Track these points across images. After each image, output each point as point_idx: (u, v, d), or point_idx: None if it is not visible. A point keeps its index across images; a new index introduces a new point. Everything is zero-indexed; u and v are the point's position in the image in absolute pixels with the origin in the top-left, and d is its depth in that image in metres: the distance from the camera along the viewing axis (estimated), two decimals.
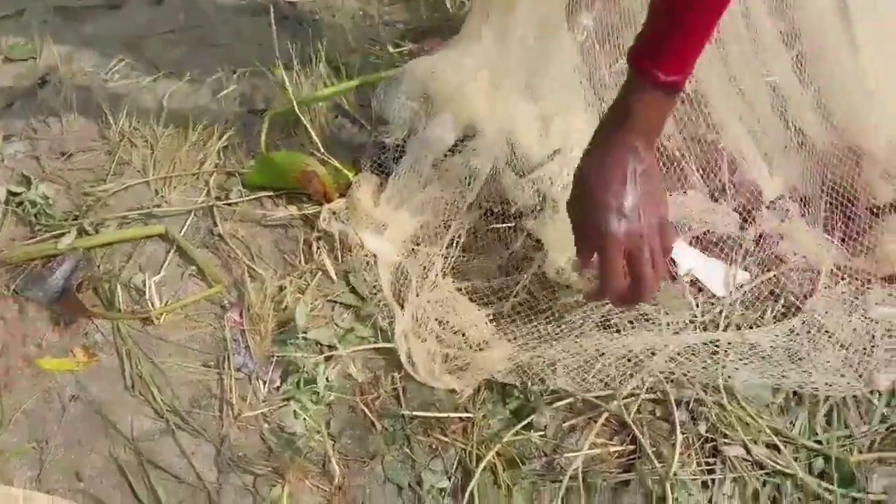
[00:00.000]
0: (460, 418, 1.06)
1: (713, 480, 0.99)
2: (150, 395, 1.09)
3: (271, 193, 1.32)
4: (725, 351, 1.07)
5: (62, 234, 1.26)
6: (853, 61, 1.20)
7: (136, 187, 1.35)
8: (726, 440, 1.02)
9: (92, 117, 1.47)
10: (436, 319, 1.14)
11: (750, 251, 1.16)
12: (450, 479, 1.01)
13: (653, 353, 1.07)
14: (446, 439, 1.04)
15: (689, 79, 0.96)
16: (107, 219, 1.29)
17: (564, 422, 1.05)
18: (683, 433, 1.02)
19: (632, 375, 1.06)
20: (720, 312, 1.11)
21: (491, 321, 1.14)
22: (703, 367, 1.06)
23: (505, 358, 1.09)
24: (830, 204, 1.19)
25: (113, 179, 1.36)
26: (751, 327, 1.10)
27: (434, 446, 1.04)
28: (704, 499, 0.98)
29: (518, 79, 1.29)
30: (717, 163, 1.22)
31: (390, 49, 1.56)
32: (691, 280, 1.13)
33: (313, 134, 1.33)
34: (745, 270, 1.14)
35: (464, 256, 1.22)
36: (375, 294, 1.17)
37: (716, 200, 1.21)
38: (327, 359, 1.11)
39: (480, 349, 1.11)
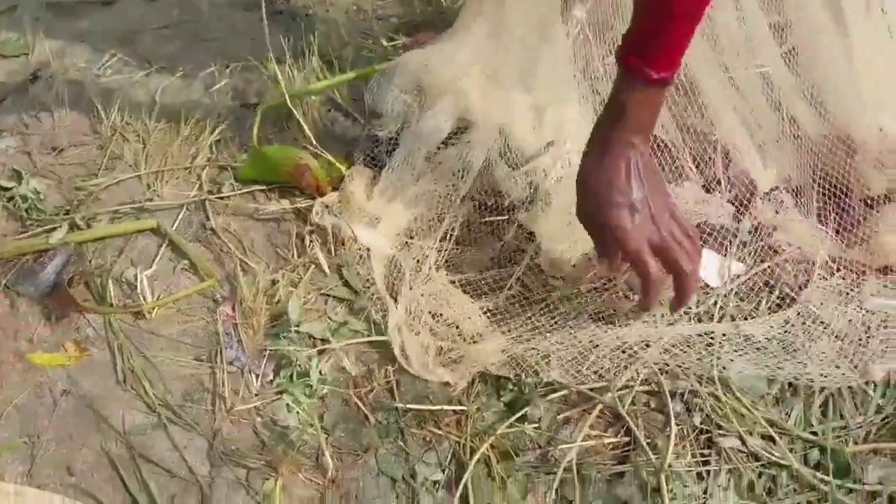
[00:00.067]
0: (454, 411, 1.05)
1: (708, 472, 0.98)
2: (142, 390, 1.09)
3: (264, 187, 1.31)
4: (720, 342, 1.06)
5: (53, 229, 1.25)
6: (845, 52, 1.20)
7: (127, 182, 1.34)
8: (721, 431, 1.01)
9: (84, 112, 1.46)
10: (429, 312, 1.13)
11: (744, 242, 1.15)
12: (444, 471, 1.01)
13: (647, 345, 1.07)
14: (440, 432, 1.03)
15: (678, 72, 0.97)
16: (98, 213, 1.28)
17: (559, 414, 1.04)
18: (678, 424, 1.01)
19: (626, 367, 1.05)
20: (715, 303, 1.11)
21: (485, 314, 1.13)
22: (698, 359, 1.05)
23: (499, 350, 1.08)
24: (824, 195, 1.18)
25: (105, 174, 1.35)
26: (746, 318, 1.09)
27: (428, 439, 1.03)
28: (699, 490, 0.97)
29: (512, 70, 1.29)
30: (711, 154, 1.22)
31: (384, 43, 1.56)
32: None
33: (306, 128, 1.33)
34: (740, 261, 1.13)
35: (457, 249, 1.21)
36: (369, 287, 1.17)
37: (710, 192, 1.21)
38: (320, 352, 1.11)
39: (474, 342, 1.10)
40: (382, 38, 1.57)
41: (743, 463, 0.99)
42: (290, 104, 1.33)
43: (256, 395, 1.08)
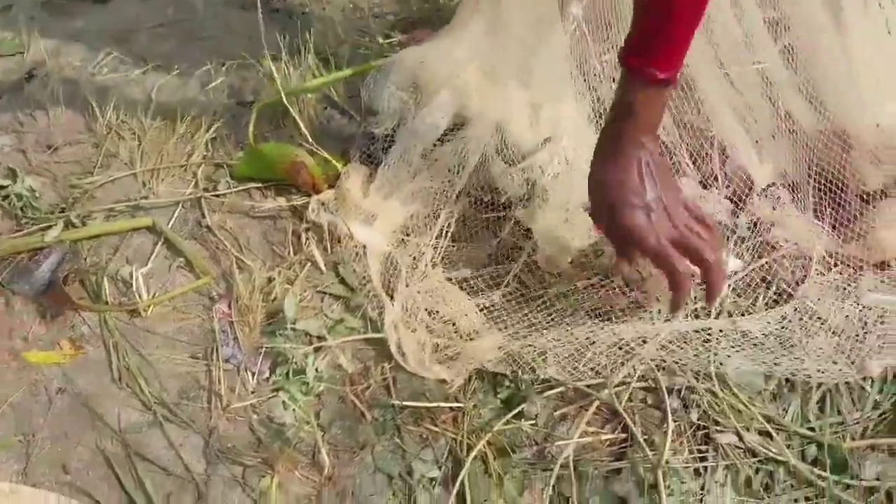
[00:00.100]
0: (451, 408, 1.05)
1: (705, 468, 0.98)
2: (138, 388, 1.08)
3: (260, 185, 1.31)
4: (717, 338, 1.06)
5: (49, 227, 1.25)
6: (842, 48, 1.20)
7: (123, 179, 1.34)
8: (718, 427, 1.01)
9: (79, 110, 1.46)
10: (426, 309, 1.13)
11: (742, 238, 1.15)
12: (440, 468, 1.00)
13: (644, 341, 1.07)
14: (437, 429, 1.03)
15: (681, 70, 0.98)
16: (94, 211, 1.28)
17: (555, 410, 1.04)
18: (675, 421, 1.01)
19: (623, 363, 1.05)
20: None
21: (481, 311, 1.13)
22: (695, 355, 1.05)
23: (495, 347, 1.08)
24: (820, 191, 1.18)
25: (100, 172, 1.35)
26: (743, 314, 1.09)
27: (424, 436, 1.03)
28: (697, 486, 0.97)
29: (509, 67, 1.28)
30: (708, 151, 1.22)
31: (380, 40, 1.55)
32: None
33: (302, 125, 1.33)
34: (737, 258, 1.13)
35: (453, 246, 1.21)
36: (365, 285, 1.16)
37: (707, 188, 1.20)
38: (316, 349, 1.10)
39: (471, 339, 1.10)
40: (379, 36, 1.57)
41: (740, 459, 0.99)
42: (285, 101, 1.32)
43: (252, 392, 1.08)
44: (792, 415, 1.02)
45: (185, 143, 1.38)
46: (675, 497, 0.95)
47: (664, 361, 1.05)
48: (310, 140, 1.31)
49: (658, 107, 1.00)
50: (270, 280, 1.18)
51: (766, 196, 1.19)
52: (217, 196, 1.30)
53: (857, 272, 1.12)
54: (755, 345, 1.06)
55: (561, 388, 1.05)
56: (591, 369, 1.05)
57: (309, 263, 1.20)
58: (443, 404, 1.05)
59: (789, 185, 1.20)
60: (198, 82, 1.52)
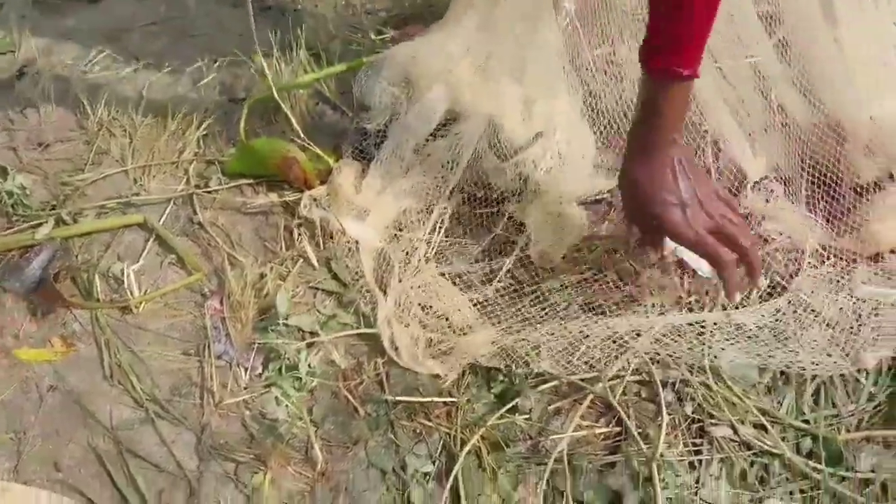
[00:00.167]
0: (444, 403, 1.04)
1: (700, 461, 0.98)
2: (130, 385, 1.08)
3: (251, 181, 1.30)
4: (711, 331, 1.06)
5: (39, 225, 1.24)
6: (835, 41, 1.20)
7: (114, 177, 1.33)
8: (713, 421, 1.01)
9: (70, 108, 1.45)
10: (419, 304, 1.13)
11: None
12: (434, 463, 1.00)
13: (638, 335, 1.06)
14: (430, 424, 1.03)
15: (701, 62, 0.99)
16: (85, 208, 1.27)
17: (549, 405, 1.04)
18: (670, 414, 1.01)
19: (617, 357, 1.05)
20: (706, 293, 1.10)
21: (475, 305, 1.13)
22: (689, 348, 1.05)
23: (489, 342, 1.07)
24: (814, 184, 1.18)
25: (91, 169, 1.34)
26: (737, 307, 1.09)
27: (418, 431, 1.02)
28: (691, 479, 0.97)
29: (502, 63, 1.28)
30: (701, 144, 1.21)
31: (372, 36, 1.55)
32: (677, 261, 1.12)
33: (294, 121, 1.32)
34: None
35: (447, 241, 1.20)
36: (357, 280, 1.16)
37: None
38: (309, 345, 1.10)
39: (464, 334, 1.09)
40: (371, 32, 1.56)
41: (735, 452, 0.98)
42: (277, 97, 1.32)
43: (245, 388, 1.07)
44: (787, 407, 1.02)
45: (177, 139, 1.38)
46: (669, 490, 0.95)
47: (658, 354, 1.05)
48: (301, 136, 1.30)
49: (684, 102, 1.01)
50: (262, 276, 1.17)
51: (759, 189, 1.19)
52: (209, 192, 1.29)
53: (850, 265, 1.12)
54: (749, 338, 1.06)
55: (555, 382, 1.05)
56: (586, 363, 1.05)
57: (301, 259, 1.20)
58: (436, 399, 1.04)
59: (782, 179, 1.19)
60: (189, 79, 1.51)
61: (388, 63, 1.32)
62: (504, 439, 1.00)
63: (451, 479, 0.97)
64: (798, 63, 1.22)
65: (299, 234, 1.22)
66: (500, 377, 1.06)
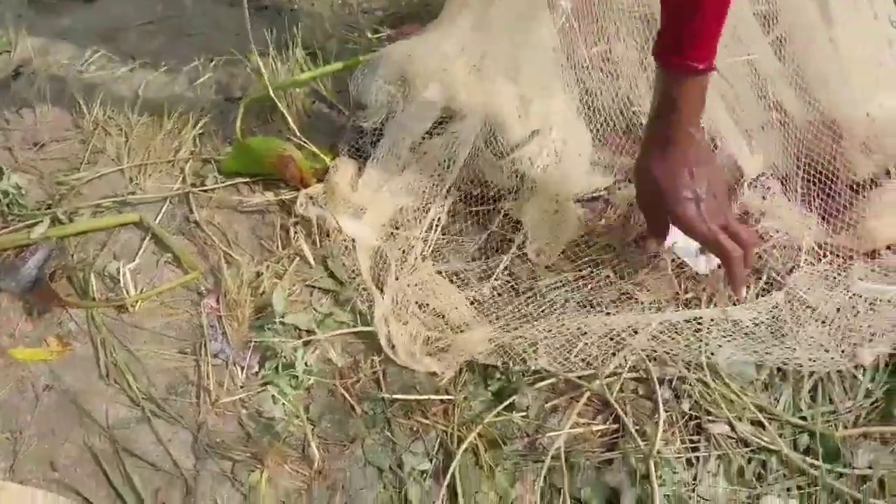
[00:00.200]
0: (441, 400, 1.04)
1: (697, 458, 0.98)
2: (126, 383, 1.08)
3: (247, 179, 1.30)
4: (708, 328, 1.06)
5: (35, 224, 1.24)
6: (832, 39, 1.20)
7: (110, 175, 1.33)
8: (710, 417, 1.00)
9: (66, 107, 1.45)
10: (416, 302, 1.12)
11: None
12: (431, 461, 1.00)
13: (635, 332, 1.06)
14: (427, 422, 1.02)
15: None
16: (80, 207, 1.27)
17: (546, 402, 1.03)
18: (667, 411, 1.01)
19: (614, 354, 1.04)
20: (703, 290, 1.10)
21: (472, 303, 1.13)
22: (686, 345, 1.05)
23: (486, 339, 1.07)
24: (810, 181, 1.18)
25: (87, 168, 1.34)
26: (734, 304, 1.08)
27: (415, 429, 1.02)
28: (689, 476, 0.97)
29: (497, 61, 1.28)
30: None
31: (369, 35, 1.55)
32: (674, 258, 1.12)
33: (290, 119, 1.32)
34: None
35: (443, 239, 1.20)
36: (354, 278, 1.16)
37: None
38: (306, 343, 1.10)
39: (461, 331, 1.09)
40: (367, 31, 1.56)
41: (732, 449, 0.98)
42: (273, 95, 1.31)
43: (241, 387, 1.07)
44: (784, 404, 1.02)
45: (173, 138, 1.38)
46: (667, 487, 0.95)
47: (655, 352, 1.04)
48: (298, 134, 1.30)
49: (702, 95, 1.01)
50: (259, 274, 1.17)
51: (756, 186, 1.18)
52: (205, 191, 1.29)
53: (847, 261, 1.12)
54: (746, 334, 1.05)
55: (552, 380, 1.04)
56: (583, 360, 1.04)
57: (298, 258, 1.19)
58: (433, 397, 1.04)
59: (779, 176, 1.19)
60: (186, 79, 1.51)
61: (385, 61, 1.32)
62: (501, 437, 1.00)
63: (448, 476, 0.97)
64: (794, 61, 1.22)
65: (296, 233, 1.22)
66: (497, 375, 1.05)
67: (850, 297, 1.08)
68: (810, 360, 1.03)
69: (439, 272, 1.17)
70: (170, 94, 1.47)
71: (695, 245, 1.11)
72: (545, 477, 0.97)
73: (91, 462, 1.02)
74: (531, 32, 1.27)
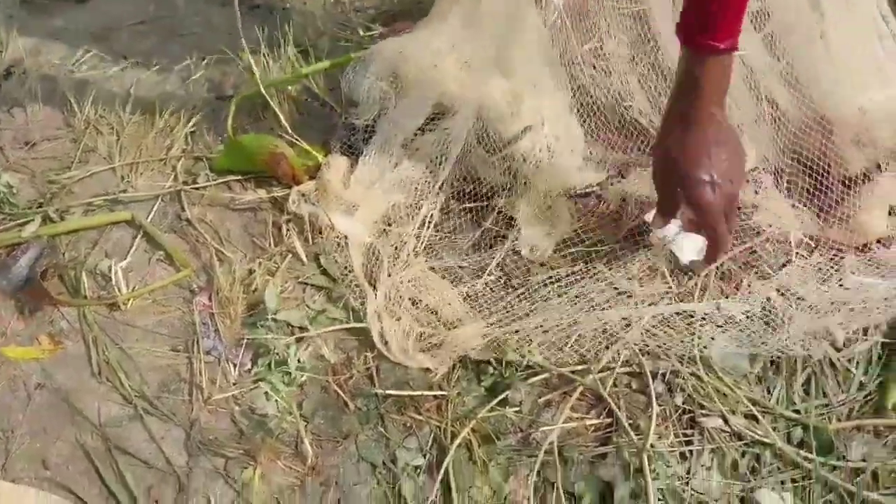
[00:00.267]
0: (434, 396, 1.04)
1: (691, 452, 0.98)
2: (118, 381, 1.07)
3: (239, 177, 1.30)
4: (701, 322, 1.06)
5: (26, 223, 1.24)
6: (821, 36, 1.20)
7: (101, 174, 1.32)
8: (704, 411, 1.00)
9: (57, 107, 1.45)
10: (409, 299, 1.12)
11: None
12: (425, 456, 0.99)
13: (628, 326, 1.06)
14: (420, 417, 1.02)
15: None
16: (72, 206, 1.27)
17: (540, 397, 1.03)
18: (660, 405, 1.01)
19: (607, 348, 1.04)
20: (696, 284, 1.10)
21: (465, 299, 1.12)
22: (681, 341, 1.04)
23: (479, 335, 1.07)
24: (803, 175, 1.18)
25: (78, 167, 1.33)
26: (727, 297, 1.08)
27: (408, 424, 1.02)
28: (682, 470, 0.97)
29: (489, 58, 1.28)
30: None
31: (361, 33, 1.55)
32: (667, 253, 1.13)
33: (282, 117, 1.32)
34: None
35: (436, 235, 1.20)
36: (347, 275, 1.15)
37: None
38: (298, 340, 1.09)
39: (454, 327, 1.09)
40: (359, 29, 1.56)
41: (726, 442, 0.98)
42: (264, 93, 1.31)
43: (234, 384, 1.07)
44: (777, 397, 1.02)
45: (165, 137, 1.37)
46: (660, 481, 0.95)
47: (647, 346, 1.04)
48: (290, 132, 1.30)
49: (725, 75, 1.00)
50: (251, 272, 1.17)
51: (748, 181, 1.18)
52: (197, 189, 1.29)
53: (839, 255, 1.12)
54: (741, 330, 1.05)
55: (545, 375, 1.04)
56: (576, 351, 1.04)
57: (290, 255, 1.19)
58: (426, 393, 1.04)
59: (772, 170, 1.20)
60: (177, 77, 1.50)
61: (376, 58, 1.32)
62: (495, 432, 1.00)
63: (441, 472, 0.97)
64: (786, 57, 1.22)
65: (288, 230, 1.22)
66: (491, 370, 1.05)
67: (844, 291, 1.08)
68: (803, 349, 1.03)
69: (432, 268, 1.16)
70: (161, 92, 1.47)
71: (689, 239, 1.11)
72: (539, 471, 0.97)
73: (83, 460, 1.01)
74: (522, 29, 1.27)
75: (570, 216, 1.18)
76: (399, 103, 1.27)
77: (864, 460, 0.96)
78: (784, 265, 1.11)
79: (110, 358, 1.09)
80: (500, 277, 1.15)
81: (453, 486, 0.96)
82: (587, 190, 1.21)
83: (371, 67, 1.31)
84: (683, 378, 1.02)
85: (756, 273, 1.11)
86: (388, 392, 1.04)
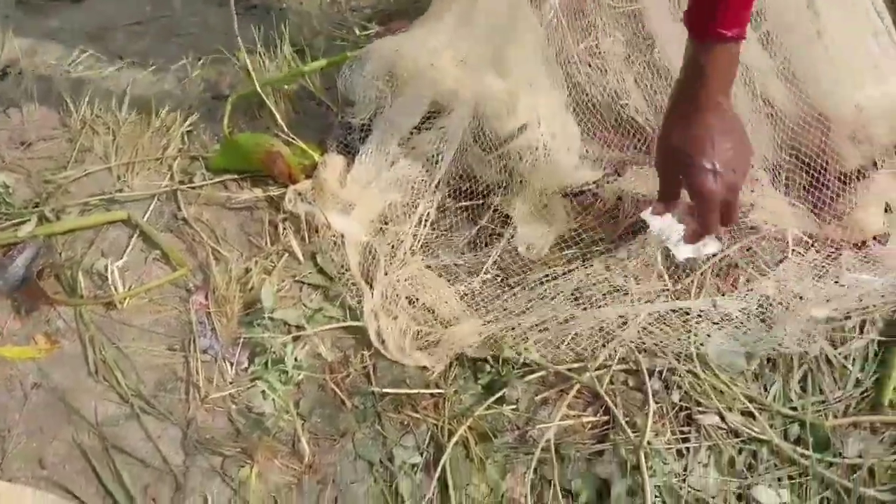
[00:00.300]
0: (431, 394, 1.04)
1: (688, 449, 0.98)
2: (115, 380, 1.07)
3: (236, 176, 1.30)
4: (697, 319, 1.06)
5: (23, 222, 1.24)
6: (817, 33, 1.20)
7: (97, 174, 1.32)
8: (700, 408, 1.01)
9: (53, 107, 1.44)
10: (406, 297, 1.12)
11: None
12: (422, 454, 0.99)
13: (625, 323, 1.06)
14: (417, 415, 1.02)
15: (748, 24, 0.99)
16: (68, 206, 1.27)
17: (536, 395, 1.03)
18: (657, 402, 1.01)
19: (604, 345, 1.04)
20: (692, 282, 1.10)
21: (461, 298, 1.12)
22: (678, 338, 1.04)
23: (476, 333, 1.07)
24: (799, 172, 1.18)
25: (74, 166, 1.33)
26: (723, 295, 1.09)
27: (405, 423, 1.02)
28: (679, 467, 0.97)
29: (485, 55, 1.28)
30: None
31: (357, 32, 1.55)
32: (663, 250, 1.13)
33: (278, 116, 1.31)
34: (718, 239, 1.12)
35: (432, 234, 1.20)
36: (343, 274, 1.15)
37: None
38: (295, 339, 1.09)
39: (451, 326, 1.09)
40: (356, 28, 1.56)
41: (723, 439, 0.98)
42: (260, 92, 1.31)
43: (231, 382, 1.07)
44: (774, 394, 1.02)
45: (161, 136, 1.37)
46: (657, 478, 0.95)
47: (644, 343, 1.04)
48: (286, 131, 1.30)
49: (732, 64, 1.00)
50: (248, 271, 1.17)
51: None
52: (193, 188, 1.29)
53: (836, 252, 1.12)
54: (736, 327, 1.05)
55: (542, 373, 1.04)
56: (572, 349, 1.04)
57: (286, 254, 1.19)
58: (423, 391, 1.04)
59: (768, 168, 1.20)
60: (174, 77, 1.50)
61: (372, 57, 1.31)
62: (491, 430, 1.00)
63: (438, 469, 0.97)
64: (782, 54, 1.22)
65: (284, 229, 1.22)
66: (487, 368, 1.05)
67: (840, 289, 1.08)
68: (799, 346, 1.03)
69: (429, 267, 1.16)
70: (158, 92, 1.47)
71: (678, 233, 1.11)
72: (535, 469, 0.97)
73: (80, 459, 1.01)
74: (518, 28, 1.27)
75: (567, 214, 1.18)
76: (395, 102, 1.27)
77: (860, 457, 0.96)
78: (780, 262, 1.11)
79: (107, 357, 1.09)
80: (497, 276, 1.15)
81: (450, 483, 0.96)
82: (583, 188, 1.21)
83: (367, 66, 1.31)
84: (680, 375, 1.02)
85: (753, 268, 1.11)
86: (384, 390, 1.04)
